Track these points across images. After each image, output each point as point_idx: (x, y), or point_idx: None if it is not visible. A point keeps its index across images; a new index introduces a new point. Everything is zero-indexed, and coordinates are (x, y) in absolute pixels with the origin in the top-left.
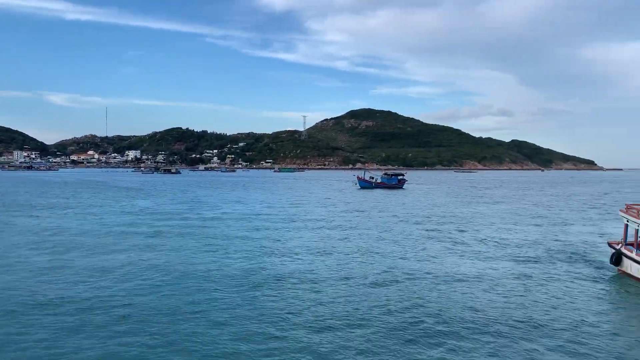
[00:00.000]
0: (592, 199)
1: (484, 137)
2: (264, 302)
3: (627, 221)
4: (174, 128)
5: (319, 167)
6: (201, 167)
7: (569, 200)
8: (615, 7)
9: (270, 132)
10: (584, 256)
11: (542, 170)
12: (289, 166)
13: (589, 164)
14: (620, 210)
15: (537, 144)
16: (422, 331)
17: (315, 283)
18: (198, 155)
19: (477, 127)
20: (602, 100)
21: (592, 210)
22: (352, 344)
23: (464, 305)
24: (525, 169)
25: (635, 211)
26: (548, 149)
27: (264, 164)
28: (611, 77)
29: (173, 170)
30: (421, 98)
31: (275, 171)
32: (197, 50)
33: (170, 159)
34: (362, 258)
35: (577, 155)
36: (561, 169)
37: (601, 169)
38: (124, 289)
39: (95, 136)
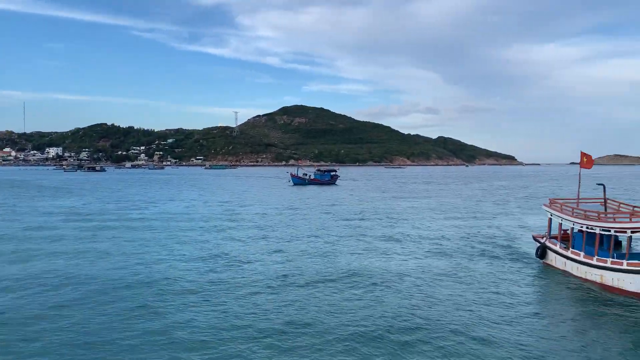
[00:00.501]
0: (513, 192)
1: (412, 134)
2: (191, 308)
3: (551, 215)
4: (98, 124)
5: (252, 163)
6: (128, 164)
7: (493, 194)
8: (533, 11)
9: (200, 128)
10: (510, 250)
11: (467, 166)
12: (220, 163)
13: (510, 159)
14: (544, 205)
15: (462, 140)
16: (358, 330)
17: (250, 286)
18: (124, 152)
19: (406, 124)
20: (522, 99)
21: (515, 203)
22: (283, 346)
23: (396, 302)
24: (450, 165)
25: (559, 205)
26: (472, 145)
27: (195, 161)
28: (530, 77)
29: (98, 168)
30: (352, 95)
31: (206, 168)
32: (122, 44)
33: (95, 156)
34: (297, 258)
35: (498, 151)
36: (484, 164)
37: (521, 164)
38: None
39: (12, 132)
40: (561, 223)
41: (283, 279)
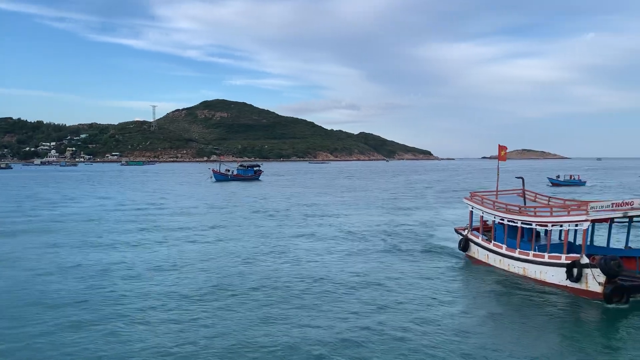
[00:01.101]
0: (432, 185)
1: (335, 129)
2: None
3: (472, 208)
4: (2, 118)
5: (172, 159)
6: (37, 161)
7: (412, 188)
8: (447, 11)
9: (116, 123)
10: (432, 243)
11: (387, 161)
12: (138, 159)
13: (427, 154)
14: (465, 198)
15: (382, 136)
16: (275, 329)
17: (153, 299)
18: (33, 149)
19: (329, 119)
20: (437, 96)
21: (434, 196)
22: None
23: (319, 298)
24: (372, 160)
25: (480, 198)
26: (392, 141)
27: (110, 157)
28: (445, 75)
29: (3, 165)
30: (276, 90)
31: (122, 164)
32: (29, 33)
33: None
34: (216, 261)
35: (416, 147)
36: (403, 159)
37: (437, 158)
38: None
39: None
40: (482, 216)
41: (197, 290)
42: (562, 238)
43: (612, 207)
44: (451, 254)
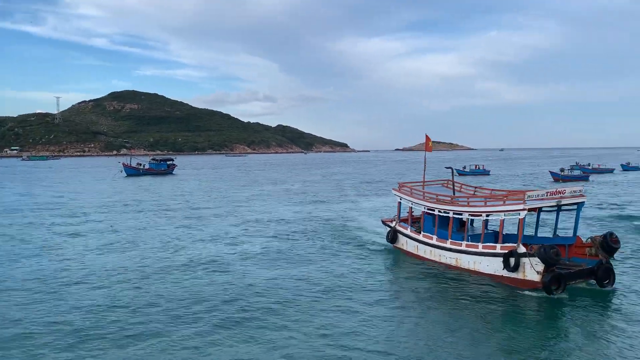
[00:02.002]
0: (351, 177)
1: (252, 122)
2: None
3: (400, 199)
4: None
5: (78, 154)
6: None
7: (332, 180)
8: (359, 6)
9: (15, 115)
10: (359, 235)
11: (305, 153)
12: (41, 153)
13: (343, 147)
14: (394, 189)
15: (300, 128)
16: (197, 326)
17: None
18: None
19: (245, 112)
20: (353, 89)
21: (354, 188)
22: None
23: (248, 294)
24: (290, 152)
25: (409, 189)
26: (309, 134)
27: (9, 152)
28: (360, 69)
29: None
30: (189, 81)
31: (23, 159)
32: None
33: None
34: (123, 272)
35: (333, 139)
36: (320, 152)
37: (353, 150)
38: None
39: None
40: (412, 207)
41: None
42: (488, 228)
43: (547, 195)
44: (379, 246)
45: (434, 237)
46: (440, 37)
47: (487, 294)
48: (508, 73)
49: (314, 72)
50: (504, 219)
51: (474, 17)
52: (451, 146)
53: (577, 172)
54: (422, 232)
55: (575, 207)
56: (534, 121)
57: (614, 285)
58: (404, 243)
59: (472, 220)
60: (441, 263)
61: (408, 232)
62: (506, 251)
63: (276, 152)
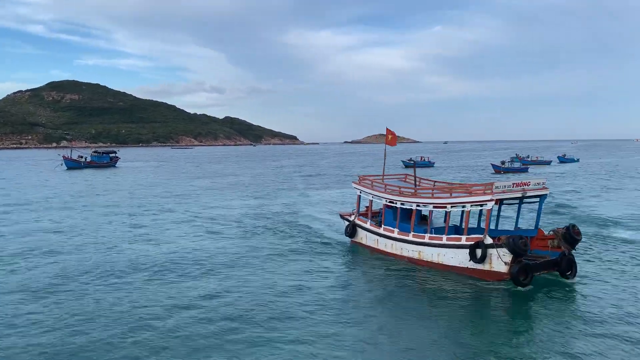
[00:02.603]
0: (302, 169)
1: (198, 113)
2: None
3: (360, 192)
4: None
5: (14, 146)
6: None
7: (283, 173)
8: None
9: None
10: (315, 229)
11: (254, 145)
12: None
13: (293, 139)
14: (354, 183)
15: (248, 120)
16: (150, 326)
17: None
18: None
19: (191, 103)
20: (302, 81)
21: (306, 181)
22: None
23: (196, 292)
24: (238, 144)
25: (369, 182)
26: (258, 126)
27: None
28: (309, 62)
29: None
30: (133, 72)
31: None
32: None
33: None
34: (61, 277)
35: (282, 131)
36: (270, 144)
37: (302, 143)
38: None
39: None
40: (372, 200)
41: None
42: (446, 220)
43: (513, 187)
44: (335, 241)
45: (396, 230)
46: (389, 32)
47: (451, 287)
48: (452, 67)
49: (264, 64)
50: (469, 211)
51: (421, 13)
52: (398, 139)
53: (517, 164)
54: (382, 226)
55: (537, 199)
56: (477, 115)
57: (576, 277)
58: (363, 237)
59: (427, 214)
60: (403, 256)
61: (368, 225)
62: (472, 243)
63: (224, 145)
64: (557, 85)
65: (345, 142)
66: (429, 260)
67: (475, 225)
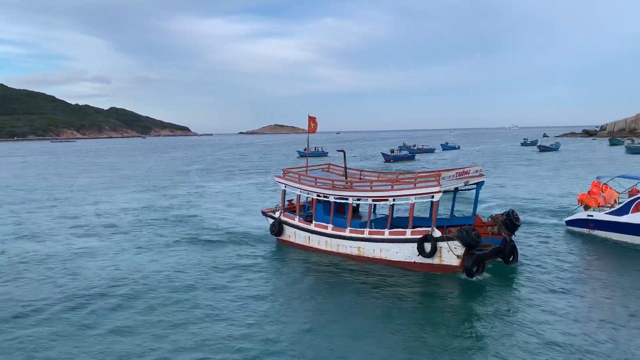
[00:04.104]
0: (197, 161)
1: (81, 104)
2: None
3: (286, 187)
4: None
5: None
6: None
7: (178, 166)
8: None
9: None
10: (234, 229)
11: (144, 137)
12: None
13: (185, 130)
14: (277, 177)
15: (136, 111)
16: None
17: None
18: None
19: (73, 93)
20: (193, 71)
21: (205, 174)
22: None
23: (95, 298)
24: (126, 137)
25: (296, 175)
26: (146, 117)
27: None
28: (200, 50)
29: None
30: (4, 59)
31: None
32: None
33: None
34: None
35: (173, 122)
36: (160, 136)
37: (195, 134)
38: None
39: None
40: (300, 195)
41: None
42: (387, 212)
43: (457, 176)
44: (261, 241)
45: (330, 225)
46: (282, 22)
47: (398, 283)
48: (343, 59)
49: (152, 52)
50: (414, 203)
51: (311, 3)
52: (293, 129)
53: (404, 153)
54: (313, 222)
55: (474, 186)
56: (368, 106)
57: (517, 262)
58: (292, 234)
59: (357, 207)
60: (340, 253)
61: (296, 222)
62: (420, 236)
63: (110, 137)
64: (440, 77)
65: (241, 132)
66: (370, 256)
67: (406, 216)
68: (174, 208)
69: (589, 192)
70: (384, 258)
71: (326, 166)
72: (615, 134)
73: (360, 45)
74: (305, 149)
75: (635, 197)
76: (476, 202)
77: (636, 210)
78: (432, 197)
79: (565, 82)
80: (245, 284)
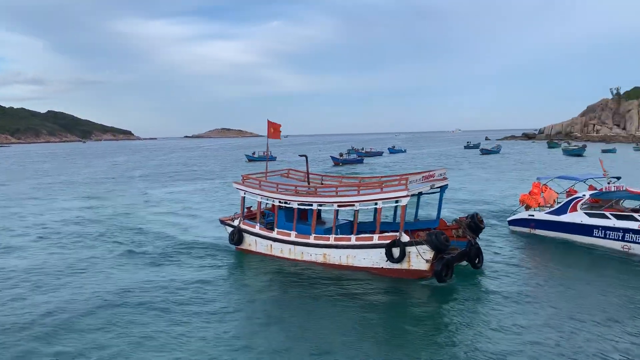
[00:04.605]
0: (142, 166)
1: (15, 107)
2: None
3: (245, 193)
4: None
5: None
6: None
7: (123, 172)
8: None
9: None
10: (187, 239)
11: (84, 142)
12: None
13: (128, 134)
14: (235, 183)
15: (75, 114)
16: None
17: None
18: None
19: (6, 96)
20: (136, 73)
21: (153, 180)
22: None
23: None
24: (65, 141)
25: (257, 181)
26: (87, 120)
27: None
28: (143, 52)
29: None
30: None
31: None
32: None
33: None
34: None
35: (115, 126)
36: (101, 140)
37: (139, 138)
38: None
39: None
40: (260, 202)
41: None
42: (353, 217)
43: (423, 180)
44: (219, 250)
45: (293, 233)
46: (228, 24)
47: (366, 290)
48: (292, 62)
49: (91, 54)
50: (381, 208)
51: (258, 6)
52: (240, 133)
53: (353, 156)
54: (276, 229)
55: (439, 190)
56: (313, 109)
57: (483, 264)
58: (252, 243)
59: (320, 212)
60: (304, 261)
61: (257, 230)
62: (388, 241)
63: (48, 142)
64: (386, 81)
65: (186, 136)
66: (336, 263)
67: (370, 221)
68: (118, 217)
69: (530, 193)
70: (350, 264)
71: (286, 172)
72: (553, 137)
73: (307, 48)
74: (253, 153)
75: (572, 197)
76: (440, 205)
77: (573, 210)
78: (400, 201)
79: (505, 86)
80: (205, 299)
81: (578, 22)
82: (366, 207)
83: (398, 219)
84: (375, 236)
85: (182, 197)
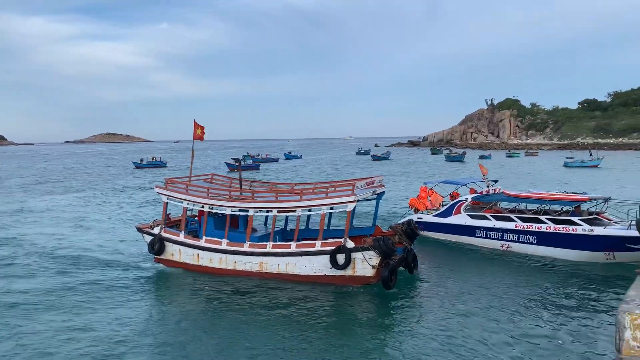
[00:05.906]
0: (23, 176)
1: None
2: None
3: (168, 199)
4: None
5: None
6: None
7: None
8: None
9: None
10: (94, 253)
11: None
12: None
13: (0, 139)
14: (158, 187)
15: None
16: None
17: None
18: None
19: None
20: (9, 73)
21: (32, 190)
22: None
23: None
24: None
25: (183, 186)
26: None
27: None
28: (16, 50)
29: None
30: None
31: None
32: None
33: None
34: None
35: None
36: None
37: (12, 143)
38: None
39: None
40: (187, 207)
41: None
42: (297, 224)
43: (366, 186)
44: (137, 261)
45: (224, 241)
46: (113, 24)
47: (306, 299)
48: (181, 66)
49: None
50: (325, 213)
51: (145, 7)
52: (127, 138)
53: (249, 162)
54: (204, 237)
55: (375, 196)
56: (205, 114)
57: (418, 269)
58: (175, 253)
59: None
60: (237, 271)
61: (182, 238)
62: (332, 248)
63: None
64: (279, 88)
65: (67, 142)
66: (274, 272)
67: (304, 227)
68: (27, 233)
69: (417, 197)
70: (290, 273)
71: (209, 177)
72: (435, 144)
73: (200, 52)
74: (141, 160)
75: (456, 200)
76: (376, 211)
77: (457, 212)
78: (345, 207)
79: (393, 96)
80: (120, 321)
81: (458, 37)
82: (309, 213)
83: (338, 226)
84: (318, 242)
85: (68, 207)
